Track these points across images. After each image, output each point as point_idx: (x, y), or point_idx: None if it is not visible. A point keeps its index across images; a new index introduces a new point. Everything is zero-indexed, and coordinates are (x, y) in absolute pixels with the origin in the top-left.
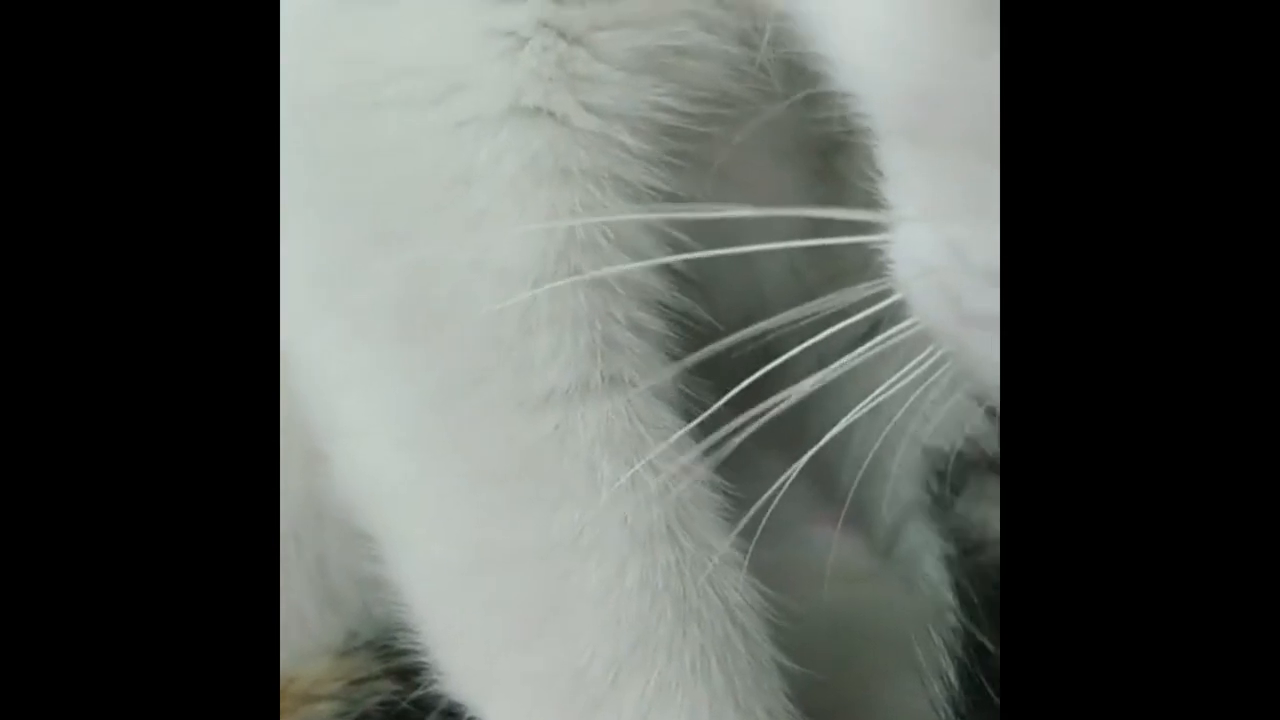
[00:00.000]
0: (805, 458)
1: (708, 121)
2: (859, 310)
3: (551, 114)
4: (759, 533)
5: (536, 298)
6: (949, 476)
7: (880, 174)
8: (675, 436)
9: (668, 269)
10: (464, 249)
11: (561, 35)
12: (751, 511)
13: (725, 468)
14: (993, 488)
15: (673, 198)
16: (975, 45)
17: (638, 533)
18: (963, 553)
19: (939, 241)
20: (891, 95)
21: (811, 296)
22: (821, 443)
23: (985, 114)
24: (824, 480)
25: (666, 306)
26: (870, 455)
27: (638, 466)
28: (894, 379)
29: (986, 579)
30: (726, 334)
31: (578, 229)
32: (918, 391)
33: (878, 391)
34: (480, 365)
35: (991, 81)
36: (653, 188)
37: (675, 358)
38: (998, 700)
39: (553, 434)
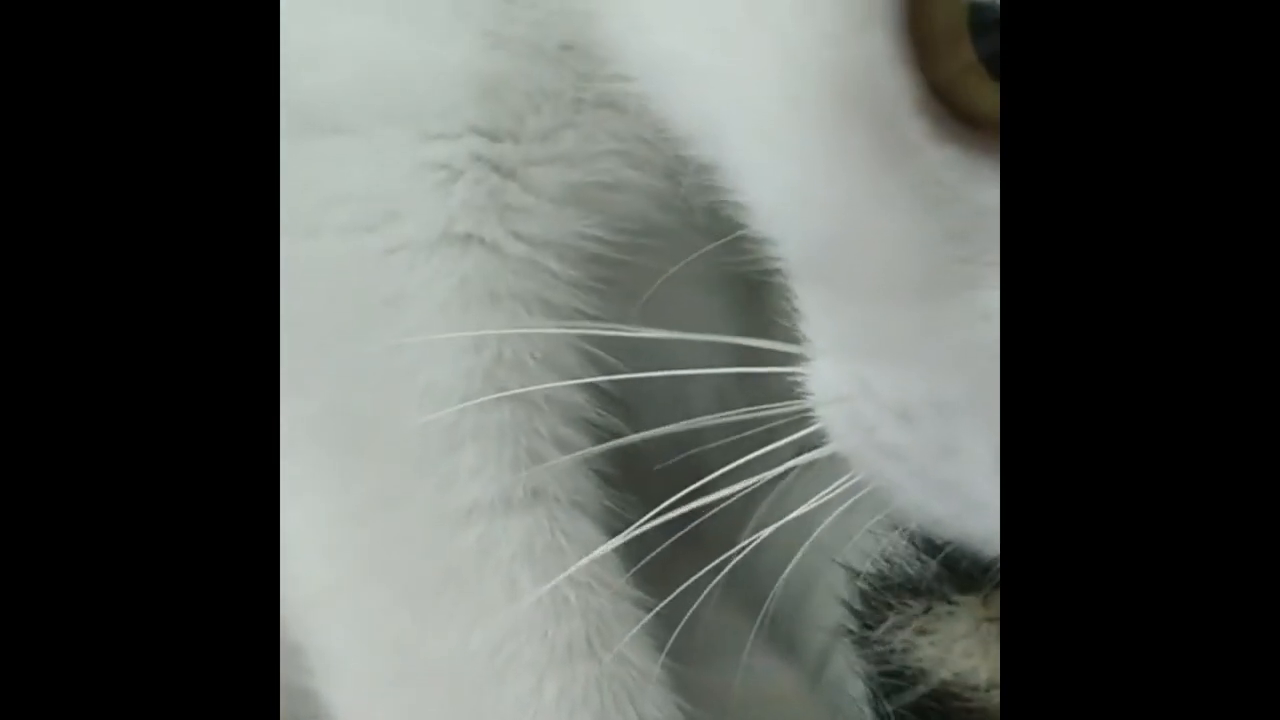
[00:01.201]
0: (726, 569)
1: (634, 250)
2: (782, 434)
3: (482, 240)
4: (686, 651)
5: (463, 413)
6: (869, 600)
7: (796, 311)
8: (598, 551)
9: (594, 388)
10: (393, 366)
11: (495, 169)
12: (676, 633)
13: (652, 587)
14: (912, 613)
15: (600, 321)
16: (874, 196)
17: (557, 647)
18: (884, 680)
19: (849, 375)
20: (798, 242)
21: (737, 418)
22: (740, 552)
23: (884, 260)
24: (753, 602)
25: (592, 424)
26: (786, 574)
27: (558, 580)
28: (816, 498)
29: (909, 707)
30: (653, 453)
31: (505, 349)
32: (836, 512)
33: (798, 511)
34: (405, 479)
35: (890, 229)
36: (579, 310)
37: (601, 474)
38: None
39: (474, 547)
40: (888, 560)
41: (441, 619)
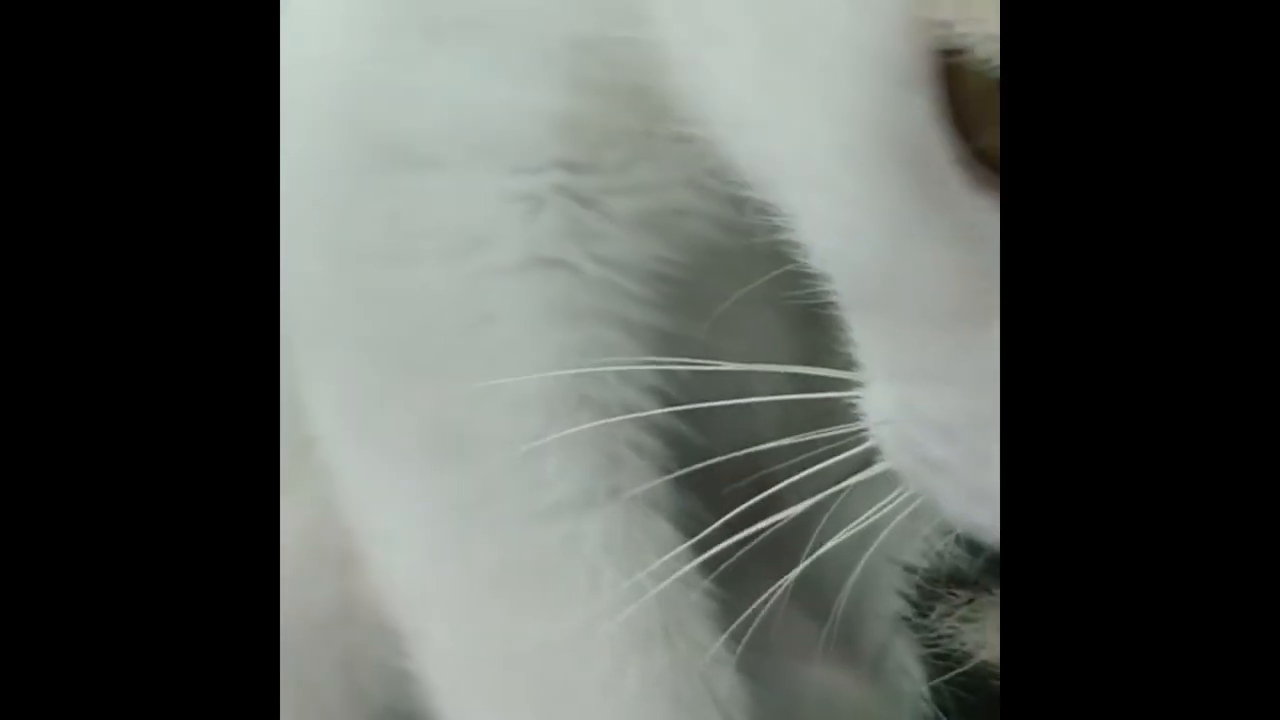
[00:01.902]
0: (794, 573)
1: (702, 271)
2: (841, 450)
3: (564, 263)
4: (758, 649)
5: (549, 420)
6: (923, 592)
7: (851, 340)
8: (676, 550)
9: (665, 398)
10: (487, 380)
11: (575, 198)
12: (742, 617)
13: (723, 587)
14: (958, 602)
15: (670, 337)
16: (918, 237)
17: (637, 634)
18: (934, 661)
19: (897, 398)
20: (850, 276)
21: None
22: (807, 561)
23: (926, 293)
24: (817, 606)
25: (663, 430)
26: (854, 576)
27: (640, 576)
28: (873, 510)
29: (957, 684)
30: (720, 463)
31: (586, 354)
32: (896, 520)
33: (861, 518)
34: (497, 482)
35: (931, 265)
36: (653, 327)
37: (674, 480)
38: None
39: (561, 541)
40: (940, 556)
41: (531, 608)
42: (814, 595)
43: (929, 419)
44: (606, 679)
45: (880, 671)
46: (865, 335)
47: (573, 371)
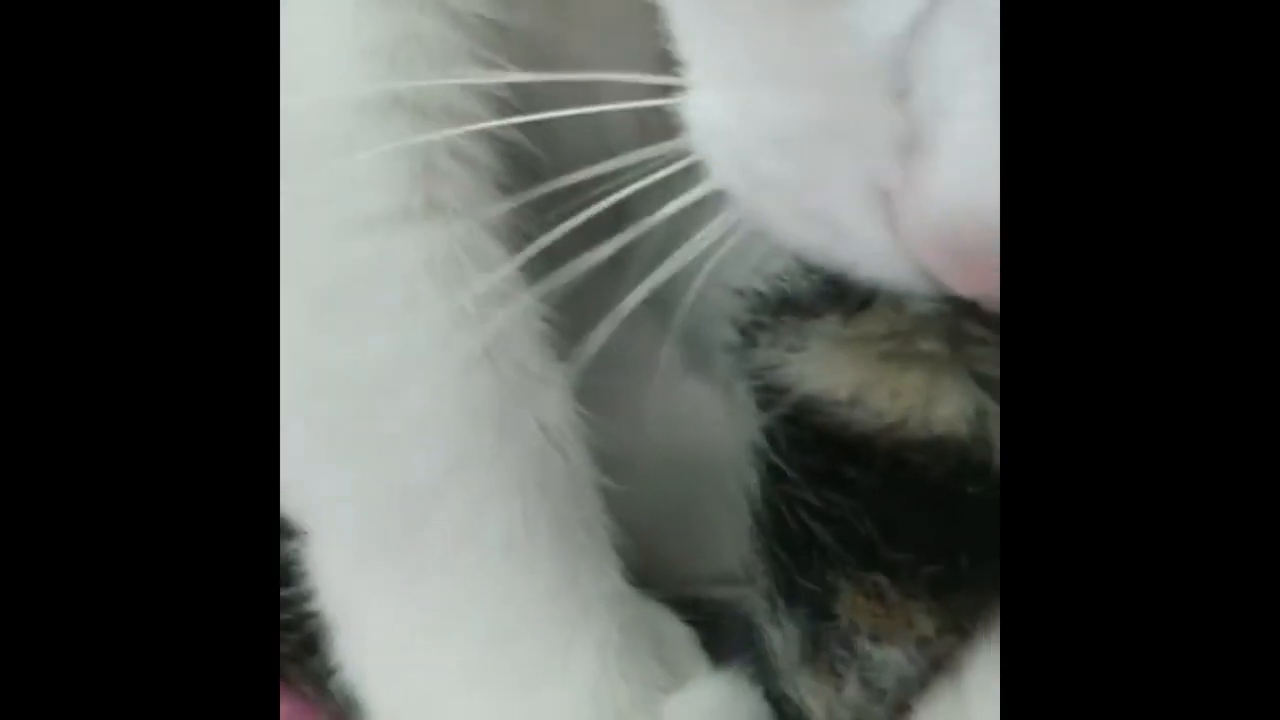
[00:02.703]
0: (631, 298)
1: None
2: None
3: None
4: (600, 369)
5: (360, 115)
6: (751, 319)
7: (676, 35)
8: (503, 270)
9: (497, 100)
10: (291, 64)
11: None
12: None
13: (560, 303)
14: (785, 330)
15: (501, 27)
16: None
17: (456, 358)
18: (758, 394)
19: (731, 104)
20: None
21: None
22: (646, 288)
23: None
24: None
25: (495, 139)
26: (689, 299)
27: (462, 298)
28: (707, 231)
29: (783, 419)
30: (561, 168)
31: (399, 48)
32: (730, 240)
33: (694, 239)
34: (304, 186)
35: None
36: (479, 15)
37: (506, 190)
38: (794, 525)
39: (370, 259)
40: (779, 279)
41: (344, 330)
42: (663, 319)
43: (762, 128)
44: (422, 405)
45: (731, 397)
46: (691, 30)
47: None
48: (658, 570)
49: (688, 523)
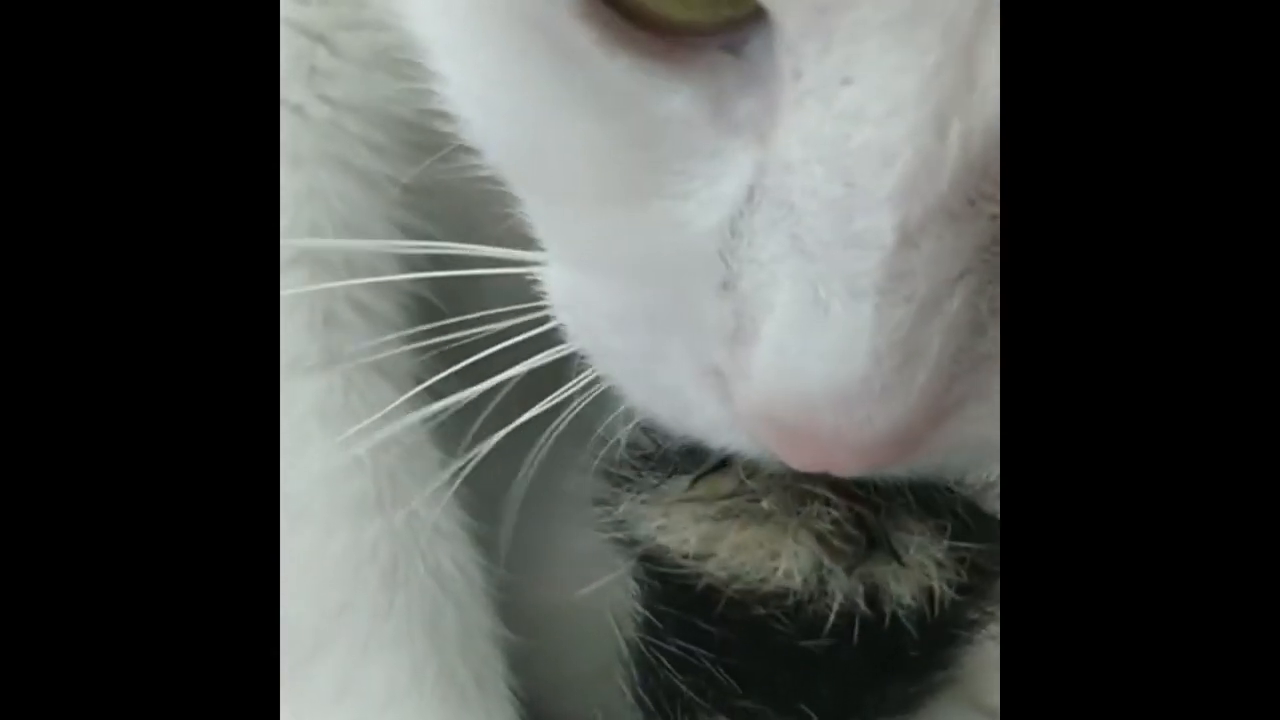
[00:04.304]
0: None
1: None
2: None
3: (286, 103)
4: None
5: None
6: (622, 472)
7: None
8: (388, 409)
9: (404, 260)
10: None
11: (304, 32)
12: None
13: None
14: (646, 484)
15: (410, 189)
16: (555, 103)
17: (345, 502)
18: (623, 543)
19: (575, 284)
20: (496, 150)
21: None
22: (481, 447)
23: (576, 167)
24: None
25: (398, 289)
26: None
27: (349, 434)
28: (563, 389)
29: (644, 569)
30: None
31: (304, 209)
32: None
33: (558, 393)
34: None
35: (577, 136)
36: (389, 177)
37: (407, 338)
38: (660, 674)
39: None
40: (651, 434)
41: None
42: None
43: (598, 310)
44: (310, 549)
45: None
46: (534, 215)
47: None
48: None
49: (586, 673)
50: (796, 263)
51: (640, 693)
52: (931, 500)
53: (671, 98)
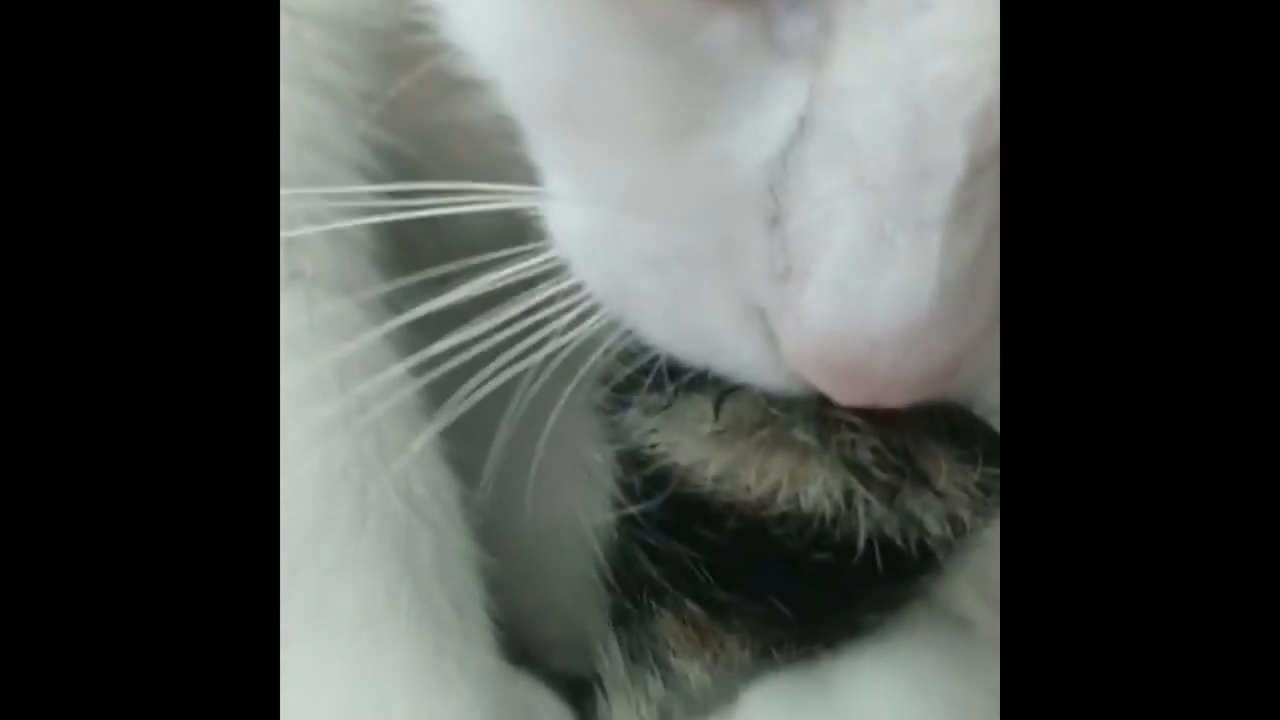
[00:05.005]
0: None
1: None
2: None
3: None
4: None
5: None
6: (612, 389)
7: (532, 150)
8: (364, 339)
9: (369, 172)
10: None
11: None
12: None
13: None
14: (656, 403)
15: (378, 100)
16: (598, 36)
17: (316, 427)
18: (629, 455)
19: (598, 222)
20: (527, 87)
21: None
22: (486, 382)
23: (617, 104)
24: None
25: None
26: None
27: (318, 366)
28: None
29: (648, 479)
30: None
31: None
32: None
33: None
34: None
35: (618, 71)
36: (355, 89)
37: (388, 266)
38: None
39: None
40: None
41: None
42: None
43: (634, 251)
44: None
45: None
46: (553, 153)
47: None
48: (542, 646)
49: (563, 596)
50: (859, 196)
51: (608, 578)
52: (958, 427)
53: (718, 21)
